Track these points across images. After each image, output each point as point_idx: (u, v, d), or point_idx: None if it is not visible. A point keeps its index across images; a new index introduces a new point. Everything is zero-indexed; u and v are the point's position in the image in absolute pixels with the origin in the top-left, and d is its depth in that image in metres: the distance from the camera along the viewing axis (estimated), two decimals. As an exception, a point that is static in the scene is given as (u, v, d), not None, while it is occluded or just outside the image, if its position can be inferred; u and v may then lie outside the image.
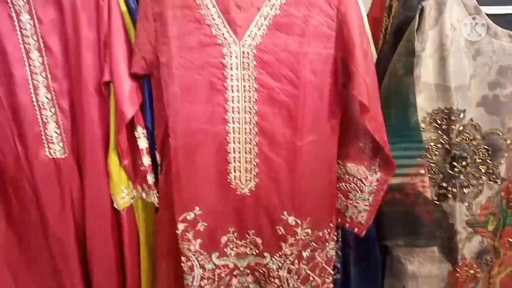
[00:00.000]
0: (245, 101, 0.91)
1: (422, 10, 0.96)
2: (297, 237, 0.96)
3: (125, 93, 0.95)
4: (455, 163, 1.03)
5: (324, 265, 1.03)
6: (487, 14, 0.97)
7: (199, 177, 0.95)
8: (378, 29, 1.19)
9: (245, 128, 0.92)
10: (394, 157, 0.96)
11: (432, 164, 1.04)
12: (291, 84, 0.89)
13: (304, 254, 0.99)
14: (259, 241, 0.98)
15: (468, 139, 1.02)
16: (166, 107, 0.92)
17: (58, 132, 1.02)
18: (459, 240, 1.06)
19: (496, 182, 1.05)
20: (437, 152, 1.04)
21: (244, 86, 0.90)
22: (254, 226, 0.97)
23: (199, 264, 0.99)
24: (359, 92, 0.88)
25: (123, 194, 1.05)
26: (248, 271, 1.02)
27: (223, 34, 0.88)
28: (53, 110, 1.01)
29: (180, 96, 0.90)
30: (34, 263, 1.11)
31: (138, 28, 0.94)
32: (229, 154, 0.94)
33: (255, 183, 0.95)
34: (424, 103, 1.02)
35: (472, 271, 1.10)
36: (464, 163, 1.03)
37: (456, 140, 1.02)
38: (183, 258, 0.98)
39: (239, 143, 0.93)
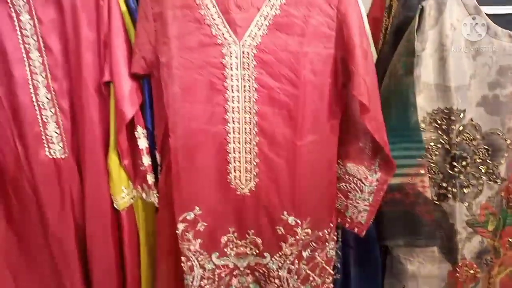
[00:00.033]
0: (245, 101, 0.91)
1: (422, 10, 0.96)
2: (297, 237, 0.96)
3: (125, 93, 0.95)
4: (455, 163, 1.03)
5: (324, 265, 1.03)
6: (487, 14, 0.97)
7: (199, 177, 0.95)
8: (378, 29, 1.19)
9: (245, 128, 0.92)
10: (394, 157, 0.96)
11: (432, 164, 1.04)
12: (291, 84, 0.89)
13: (304, 254, 0.99)
14: (259, 241, 0.98)
15: (468, 139, 1.02)
16: (166, 107, 0.92)
17: (58, 132, 1.02)
18: (459, 240, 1.06)
19: (496, 182, 1.05)
20: (437, 152, 1.04)
21: (244, 86, 0.90)
22: (254, 226, 0.98)
23: (199, 264, 0.99)
24: (359, 92, 0.88)
25: (123, 194, 1.06)
26: (248, 271, 1.02)
27: (223, 34, 0.88)
28: (53, 110, 1.01)
29: (180, 96, 0.90)
30: (34, 263, 1.11)
31: (138, 28, 0.94)
32: (229, 154, 0.94)
33: (255, 183, 0.95)
34: (424, 103, 1.02)
35: (472, 271, 1.10)
36: (464, 163, 1.03)
37: (456, 140, 1.02)
38: (183, 258, 0.98)
39: (239, 143, 0.93)
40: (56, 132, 1.02)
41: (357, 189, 1.01)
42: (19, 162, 1.02)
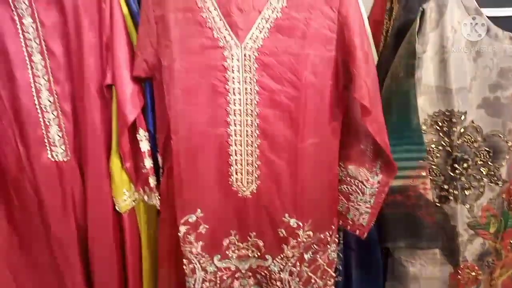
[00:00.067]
0: (246, 104, 0.91)
1: (423, 12, 0.96)
2: (298, 239, 0.96)
3: (127, 96, 0.96)
4: (456, 165, 1.03)
5: (326, 267, 1.03)
6: (487, 17, 0.97)
7: (201, 179, 0.95)
8: (379, 31, 1.19)
9: (246, 131, 0.93)
10: (396, 159, 0.96)
11: (433, 166, 1.05)
12: (292, 87, 0.90)
13: (306, 256, 0.99)
14: (260, 243, 0.98)
15: (469, 141, 1.02)
16: (168, 110, 0.92)
17: (61, 135, 1.03)
18: (460, 242, 1.06)
19: (497, 184, 1.05)
20: (438, 154, 1.04)
21: (246, 88, 0.90)
22: (256, 229, 0.98)
23: (201, 266, 0.99)
24: (360, 94, 0.89)
25: (125, 197, 1.06)
26: (250, 274, 1.02)
27: (224, 37, 0.88)
28: (55, 113, 1.01)
29: (182, 99, 0.91)
30: (35, 265, 1.11)
31: (140, 31, 0.94)
32: (231, 157, 0.94)
33: (256, 185, 0.95)
34: (425, 105, 1.02)
35: (473, 273, 1.10)
36: (465, 165, 1.03)
37: (457, 142, 1.02)
38: (185, 261, 0.98)
39: (241, 145, 0.93)
40: (58, 135, 1.02)
41: (359, 191, 1.01)
42: (22, 165, 1.02)
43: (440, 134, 1.03)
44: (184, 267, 0.99)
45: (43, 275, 1.11)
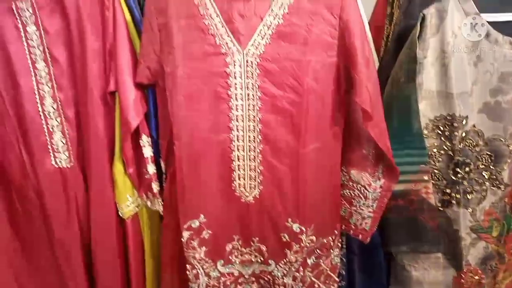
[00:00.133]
0: (248, 109, 0.92)
1: (423, 18, 0.97)
2: (301, 244, 0.96)
3: (130, 102, 0.96)
4: (458, 169, 1.03)
5: (329, 272, 1.03)
6: (488, 22, 0.98)
7: (204, 185, 0.95)
8: (379, 36, 1.20)
9: (249, 136, 0.93)
10: (398, 163, 0.96)
11: (435, 171, 1.05)
12: (294, 92, 0.90)
13: (309, 261, 0.99)
14: (263, 248, 0.98)
15: (471, 145, 1.02)
16: (171, 116, 0.93)
17: (64, 141, 1.03)
18: (463, 246, 1.06)
19: (499, 188, 1.05)
20: (440, 159, 1.04)
21: (248, 94, 0.91)
22: (259, 234, 0.98)
23: (204, 272, 0.99)
24: (362, 99, 0.89)
25: (128, 202, 1.06)
26: (253, 279, 1.02)
27: (226, 43, 0.89)
28: (59, 119, 1.02)
29: (185, 105, 0.91)
30: (39, 270, 1.12)
31: (143, 38, 0.95)
32: (233, 162, 0.94)
33: (259, 190, 0.95)
34: (427, 110, 1.02)
35: (477, 277, 1.10)
36: (467, 169, 1.03)
37: (459, 146, 1.02)
38: (188, 266, 0.98)
39: (243, 151, 0.94)
40: (62, 142, 1.03)
41: (361, 196, 1.01)
42: (25, 171, 1.03)
43: (442, 138, 1.03)
44: (187, 272, 0.99)
45: (46, 280, 1.12)
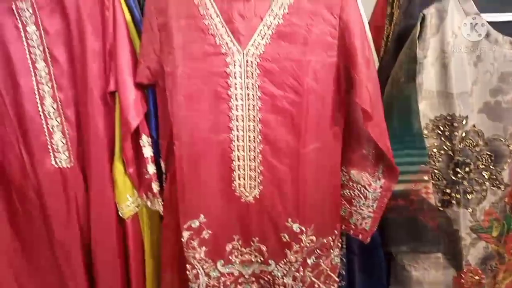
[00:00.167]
0: (248, 109, 0.92)
1: (423, 18, 0.97)
2: (301, 244, 0.97)
3: (130, 102, 0.96)
4: (458, 169, 1.03)
5: (329, 272, 1.03)
6: (488, 22, 0.98)
7: (204, 185, 0.95)
8: (379, 36, 1.20)
9: (249, 136, 0.93)
10: (398, 163, 0.96)
11: (435, 171, 1.05)
12: (294, 92, 0.90)
13: (309, 261, 0.99)
14: (263, 248, 0.98)
15: (471, 145, 1.02)
16: (171, 116, 0.93)
17: (64, 141, 1.03)
18: (463, 246, 1.06)
19: (499, 188, 1.05)
20: (440, 159, 1.04)
21: (248, 94, 0.91)
22: (259, 234, 0.98)
23: (204, 272, 0.99)
24: (362, 99, 0.89)
25: (128, 202, 1.06)
26: (253, 279, 1.02)
27: (227, 43, 0.89)
28: (59, 119, 1.02)
29: (185, 105, 0.91)
30: (39, 270, 1.12)
31: (143, 38, 0.95)
32: (233, 162, 0.94)
33: (259, 190, 0.95)
34: (427, 110, 1.02)
35: (477, 277, 1.10)
36: (467, 169, 1.03)
37: (459, 146, 1.02)
38: (188, 266, 0.98)
39: (243, 151, 0.94)
40: (62, 141, 1.03)
41: (361, 196, 1.01)
42: (25, 171, 1.03)
43: (442, 138, 1.03)
44: (188, 272, 0.99)
45: (46, 280, 1.12)
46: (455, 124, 1.00)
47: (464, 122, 1.01)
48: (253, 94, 0.91)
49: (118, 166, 1.03)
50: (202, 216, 0.96)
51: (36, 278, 1.12)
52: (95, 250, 1.08)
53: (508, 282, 1.13)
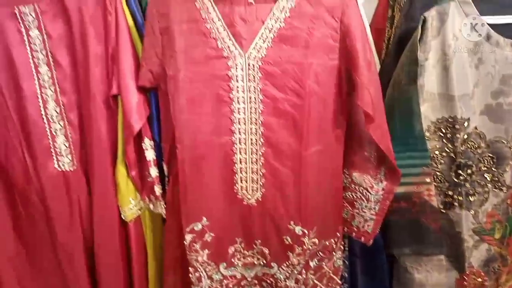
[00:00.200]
0: (250, 112, 0.92)
1: (424, 21, 0.97)
2: (304, 246, 0.97)
3: (132, 105, 0.97)
4: (460, 172, 1.03)
5: (331, 274, 1.03)
6: (488, 24, 0.98)
7: (206, 187, 0.96)
8: (380, 39, 1.20)
9: (251, 139, 0.93)
10: (400, 166, 0.96)
11: (437, 173, 1.05)
12: (296, 95, 0.91)
13: (312, 263, 0.99)
14: (266, 251, 0.98)
15: (473, 147, 1.02)
16: (173, 119, 0.93)
17: (67, 145, 1.04)
18: (466, 248, 1.06)
19: (501, 190, 1.05)
20: (442, 161, 1.04)
21: (250, 97, 0.91)
22: (261, 236, 0.98)
23: (207, 275, 0.99)
24: (363, 102, 0.89)
25: (131, 205, 1.06)
26: (256, 282, 1.02)
27: (228, 47, 0.89)
28: (62, 123, 1.02)
29: (187, 108, 0.92)
30: (42, 274, 1.12)
31: (145, 42, 0.95)
32: (236, 165, 0.95)
33: (261, 193, 0.95)
34: (428, 112, 1.02)
35: (479, 279, 1.09)
36: (469, 171, 1.03)
37: (461, 148, 1.02)
38: (191, 269, 0.99)
39: (245, 153, 0.94)
40: (65, 145, 1.03)
41: (363, 198, 1.01)
42: (28, 175, 1.03)
43: (444, 140, 1.03)
44: (190, 275, 0.99)
45: (49, 283, 1.12)
46: (457, 126, 1.00)
47: (465, 124, 1.01)
48: (255, 97, 0.91)
49: (121, 169, 1.03)
50: (204, 219, 0.96)
51: (39, 281, 1.13)
52: (98, 253, 1.08)
53: (511, 284, 1.12)
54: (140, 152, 1.02)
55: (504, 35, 0.98)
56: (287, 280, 0.99)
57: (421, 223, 1.04)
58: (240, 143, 0.94)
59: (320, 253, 1.00)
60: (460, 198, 1.04)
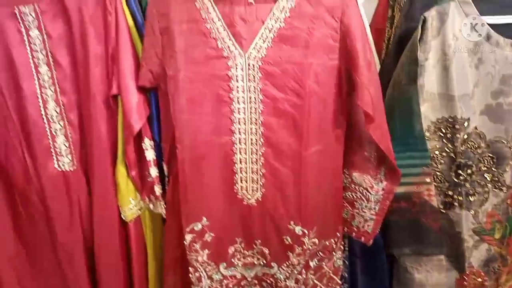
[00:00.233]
0: (250, 112, 0.92)
1: (424, 20, 0.97)
2: (304, 246, 0.97)
3: (132, 105, 0.97)
4: (460, 172, 1.03)
5: (331, 274, 1.03)
6: (488, 24, 0.98)
7: (206, 187, 0.96)
8: (380, 39, 1.20)
9: (251, 139, 0.93)
10: (400, 166, 0.97)
11: (437, 173, 1.05)
12: (296, 95, 0.91)
13: (311, 263, 0.99)
14: (266, 251, 0.98)
15: (473, 147, 1.02)
16: (173, 119, 0.93)
17: (67, 145, 1.04)
18: (466, 248, 1.06)
19: (501, 190, 1.05)
20: (442, 161, 1.04)
21: (250, 97, 0.91)
22: (261, 236, 0.98)
23: (207, 275, 0.99)
24: (363, 102, 0.89)
25: (131, 205, 1.06)
26: (256, 282, 1.02)
27: (228, 47, 0.89)
28: (62, 123, 1.02)
29: (187, 108, 0.92)
30: (42, 274, 1.12)
31: (145, 42, 0.95)
32: (236, 165, 0.95)
33: (261, 193, 0.95)
34: (428, 112, 1.02)
35: (479, 279, 1.09)
36: (469, 171, 1.03)
37: (461, 148, 1.02)
38: (191, 269, 0.99)
39: (245, 153, 0.94)
40: (65, 145, 1.03)
41: (363, 198, 1.01)
42: (28, 175, 1.03)
43: (444, 140, 1.03)
44: (190, 275, 0.99)
45: (49, 283, 1.12)
46: (457, 126, 1.00)
47: (465, 124, 1.01)
48: (255, 97, 0.91)
49: (121, 169, 1.03)
50: (204, 219, 0.96)
51: (39, 281, 1.13)
52: (98, 253, 1.08)
53: (511, 284, 1.12)
54: (140, 152, 1.02)
55: (504, 35, 0.98)
56: (287, 280, 0.99)
57: (421, 223, 1.04)
58: (240, 143, 0.94)
59: (320, 253, 1.00)
60: (460, 198, 1.04)
